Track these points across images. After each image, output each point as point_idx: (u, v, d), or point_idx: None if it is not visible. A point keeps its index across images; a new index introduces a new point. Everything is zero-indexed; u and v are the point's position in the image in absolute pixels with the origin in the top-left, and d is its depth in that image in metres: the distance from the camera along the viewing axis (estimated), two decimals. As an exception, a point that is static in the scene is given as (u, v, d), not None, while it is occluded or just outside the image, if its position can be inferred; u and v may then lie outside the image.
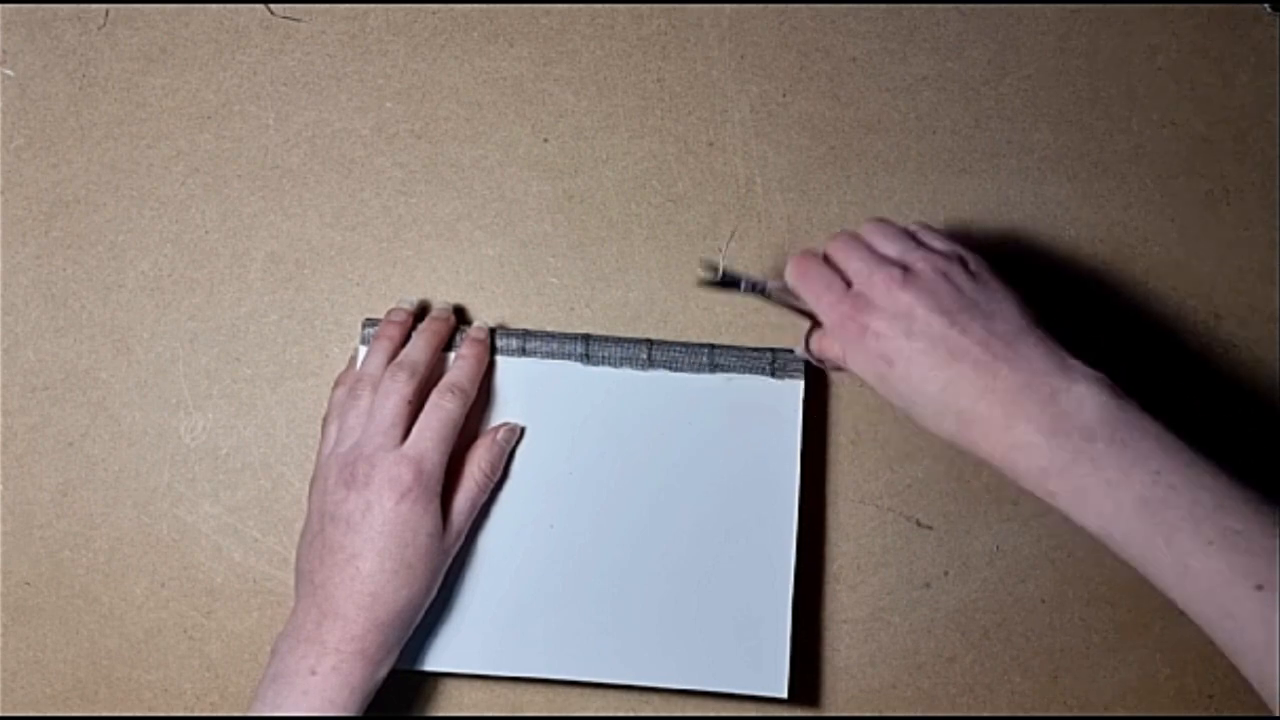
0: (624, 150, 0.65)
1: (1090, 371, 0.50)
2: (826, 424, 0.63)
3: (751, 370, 0.61)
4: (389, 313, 0.61)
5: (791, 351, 0.61)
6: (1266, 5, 0.66)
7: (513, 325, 0.63)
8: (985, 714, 0.62)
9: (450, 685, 0.62)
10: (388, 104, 0.65)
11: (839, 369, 0.58)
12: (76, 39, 0.64)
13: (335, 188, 0.64)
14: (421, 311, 0.62)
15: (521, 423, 0.60)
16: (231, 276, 0.64)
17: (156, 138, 0.64)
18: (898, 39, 0.66)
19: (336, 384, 0.60)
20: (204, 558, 0.62)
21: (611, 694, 0.61)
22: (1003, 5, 0.66)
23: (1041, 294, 0.64)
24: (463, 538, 0.57)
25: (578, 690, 0.61)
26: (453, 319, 0.61)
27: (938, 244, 0.55)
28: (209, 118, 0.64)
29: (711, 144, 0.65)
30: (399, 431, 0.55)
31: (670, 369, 0.61)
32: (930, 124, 0.65)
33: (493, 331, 0.61)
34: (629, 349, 0.61)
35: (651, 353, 0.61)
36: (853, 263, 0.54)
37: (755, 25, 0.65)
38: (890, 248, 0.55)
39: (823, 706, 0.62)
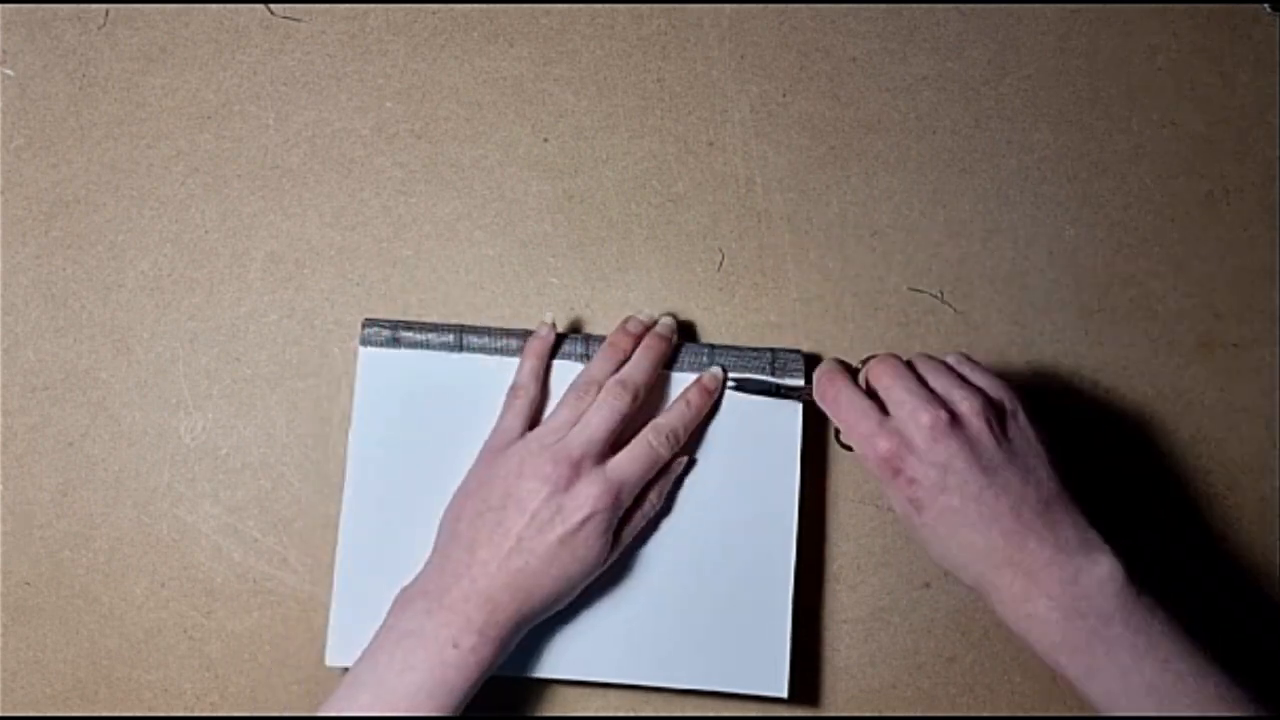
0: (624, 150, 0.65)
1: (1107, 548, 0.51)
2: (826, 424, 0.63)
3: (751, 370, 0.61)
4: (626, 321, 0.61)
5: (796, 352, 0.61)
6: (1266, 5, 0.66)
7: (512, 325, 0.63)
8: (985, 714, 0.62)
9: (450, 685, 0.62)
10: (388, 104, 0.65)
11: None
12: (76, 39, 0.64)
13: (335, 188, 0.64)
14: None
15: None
16: (231, 276, 0.64)
17: (156, 138, 0.64)
18: (898, 39, 0.66)
19: (525, 355, 0.60)
20: (204, 558, 0.62)
21: (612, 694, 0.61)
22: (1003, 5, 0.66)
23: (1040, 293, 0.64)
24: (612, 561, 0.58)
25: (578, 690, 0.61)
26: (675, 337, 0.61)
27: (984, 383, 0.55)
28: (209, 118, 0.64)
29: (711, 144, 0.65)
30: (607, 447, 0.56)
31: (670, 369, 0.61)
32: (930, 124, 0.65)
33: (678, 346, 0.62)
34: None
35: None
36: (896, 393, 0.54)
37: (755, 25, 0.65)
38: (937, 382, 0.55)
39: (823, 706, 0.62)
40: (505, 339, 0.61)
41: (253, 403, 0.63)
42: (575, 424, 0.57)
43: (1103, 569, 0.51)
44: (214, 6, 0.65)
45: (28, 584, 0.62)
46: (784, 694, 0.59)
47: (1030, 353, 0.64)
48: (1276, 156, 0.65)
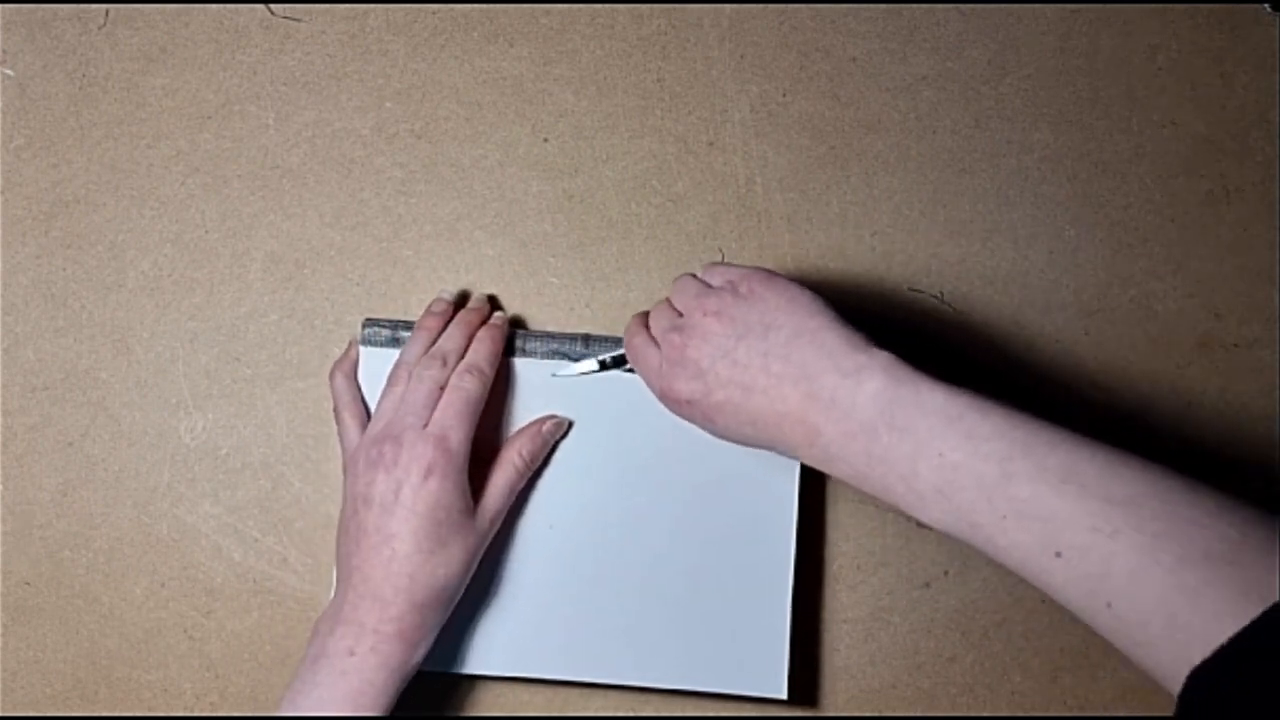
0: (624, 150, 0.65)
1: (863, 356, 0.49)
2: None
3: None
4: (430, 304, 0.61)
5: None
6: (1266, 5, 0.66)
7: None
8: (985, 714, 0.62)
9: (450, 686, 0.62)
10: (388, 104, 0.65)
11: None
12: (76, 39, 0.64)
13: (335, 188, 0.64)
14: (460, 302, 0.62)
15: (521, 421, 0.60)
16: (231, 276, 0.64)
17: (156, 138, 0.64)
18: (898, 39, 0.66)
19: (333, 374, 0.60)
20: (204, 558, 0.62)
21: (611, 694, 0.61)
22: (1003, 5, 0.66)
23: (1040, 293, 0.64)
24: (498, 522, 0.58)
25: (578, 690, 0.61)
26: (487, 309, 0.62)
27: (715, 279, 0.56)
28: (209, 118, 0.64)
29: (711, 144, 0.65)
30: (428, 414, 0.56)
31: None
32: (930, 124, 0.65)
33: (513, 322, 0.62)
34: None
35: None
36: (656, 335, 0.56)
37: (755, 25, 0.65)
38: (684, 303, 0.55)
39: (823, 706, 0.62)
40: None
41: (253, 403, 0.63)
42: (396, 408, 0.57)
43: (854, 378, 0.48)
44: (214, 6, 0.65)
45: (28, 584, 0.62)
46: (783, 695, 0.59)
47: (1030, 353, 0.64)
48: (1276, 156, 0.65)
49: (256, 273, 0.64)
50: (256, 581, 0.62)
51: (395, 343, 0.61)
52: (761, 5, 0.65)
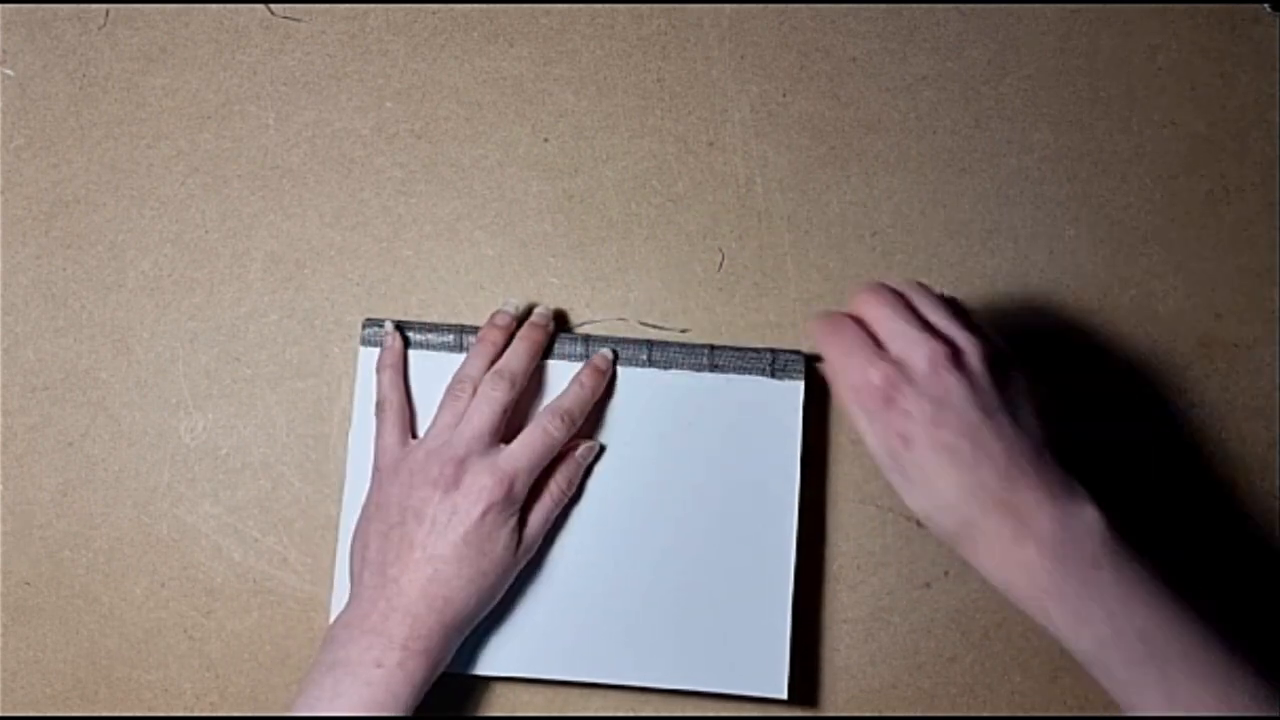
0: (624, 150, 0.65)
1: (1088, 496, 0.50)
2: (826, 424, 0.63)
3: (751, 371, 0.61)
4: (493, 315, 0.61)
5: (796, 352, 0.61)
6: (1266, 5, 0.66)
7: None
8: (985, 714, 0.62)
9: (450, 686, 0.62)
10: (388, 104, 0.65)
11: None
12: (76, 39, 0.64)
13: (335, 188, 0.64)
14: (523, 316, 0.62)
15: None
16: (231, 276, 0.64)
17: (156, 138, 0.64)
18: (898, 39, 0.66)
19: (379, 367, 0.60)
20: (204, 558, 0.62)
21: (611, 694, 0.61)
22: (1003, 5, 0.66)
23: (1041, 294, 0.64)
24: (533, 551, 0.58)
25: (578, 690, 0.61)
26: (551, 326, 0.61)
27: (983, 330, 0.53)
28: (209, 118, 0.64)
29: (711, 144, 0.65)
30: (493, 440, 0.56)
31: (670, 369, 0.61)
32: (930, 124, 0.65)
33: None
34: (628, 349, 0.61)
35: (651, 353, 0.61)
36: (891, 323, 0.51)
37: (755, 25, 0.65)
38: (936, 316, 0.52)
39: (823, 706, 0.62)
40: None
41: (253, 403, 0.63)
42: (457, 424, 0.56)
43: (1090, 514, 0.49)
44: (214, 6, 0.65)
45: (28, 584, 0.62)
46: (783, 695, 0.59)
47: (1030, 353, 0.64)
48: (1276, 156, 0.65)
49: (256, 273, 0.64)
50: (256, 581, 0.62)
51: None
52: (761, 5, 0.65)
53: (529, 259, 0.64)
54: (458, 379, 0.58)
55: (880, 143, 0.65)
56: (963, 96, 0.65)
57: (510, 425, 0.57)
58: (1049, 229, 0.65)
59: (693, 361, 0.61)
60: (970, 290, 0.64)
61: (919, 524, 0.63)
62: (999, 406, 0.50)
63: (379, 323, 0.61)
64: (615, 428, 0.60)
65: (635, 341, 0.61)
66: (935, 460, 0.49)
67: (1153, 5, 0.66)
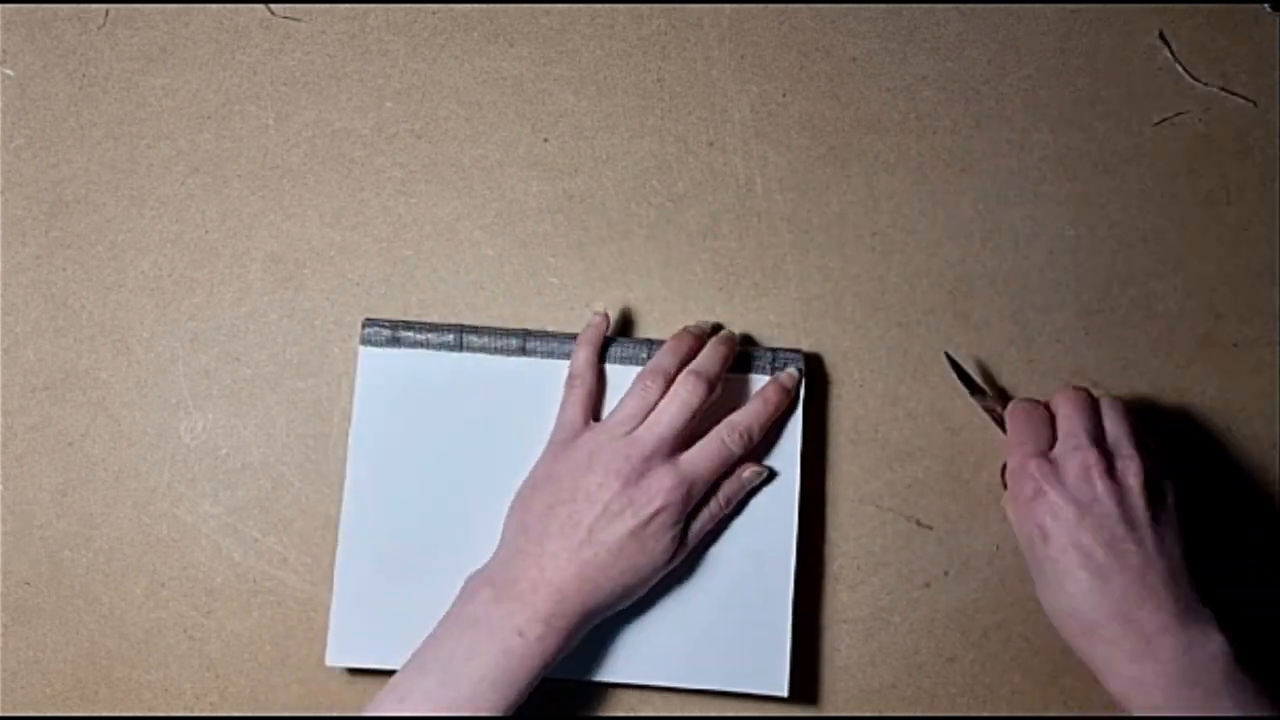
0: (624, 150, 0.65)
1: (1218, 628, 0.52)
2: (826, 424, 0.63)
3: (752, 369, 0.61)
4: (686, 327, 0.61)
5: (796, 352, 0.61)
6: (1266, 5, 0.66)
7: (512, 325, 0.63)
8: (985, 714, 0.62)
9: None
10: (388, 104, 0.65)
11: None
12: (76, 39, 0.64)
13: (335, 188, 0.64)
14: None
15: (521, 421, 0.60)
16: (231, 276, 0.64)
17: (156, 138, 0.64)
18: (898, 39, 0.66)
19: (580, 342, 0.60)
20: (204, 558, 0.62)
21: (611, 694, 0.61)
22: (1003, 5, 0.66)
23: (1040, 293, 0.64)
24: (679, 561, 0.58)
25: (578, 689, 0.61)
26: (736, 341, 0.61)
27: (1149, 448, 0.55)
28: (209, 118, 0.64)
29: (711, 144, 0.65)
30: (679, 441, 0.56)
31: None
32: (930, 124, 0.65)
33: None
34: (629, 348, 0.61)
35: (651, 351, 0.61)
36: (1070, 423, 0.55)
37: (755, 25, 0.65)
38: (1115, 428, 0.55)
39: (823, 706, 0.62)
40: (505, 339, 0.61)
41: (253, 403, 0.63)
42: (644, 415, 0.56)
43: (1215, 645, 0.51)
44: (214, 6, 0.65)
45: (28, 584, 0.62)
46: (784, 693, 0.59)
47: (1030, 353, 0.64)
48: (1276, 156, 0.65)
49: (256, 273, 0.64)
50: (256, 581, 0.62)
51: (395, 342, 0.61)
52: (761, 5, 0.65)
53: (529, 259, 0.64)
54: (651, 370, 0.58)
55: (880, 143, 0.65)
56: (963, 96, 0.65)
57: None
58: (1049, 229, 0.65)
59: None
60: (970, 291, 0.64)
61: (919, 523, 0.63)
62: (1144, 524, 0.53)
63: (379, 323, 0.61)
64: None
65: (636, 341, 0.61)
66: (1068, 562, 0.52)
67: (1153, 5, 0.66)
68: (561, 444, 0.57)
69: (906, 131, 0.65)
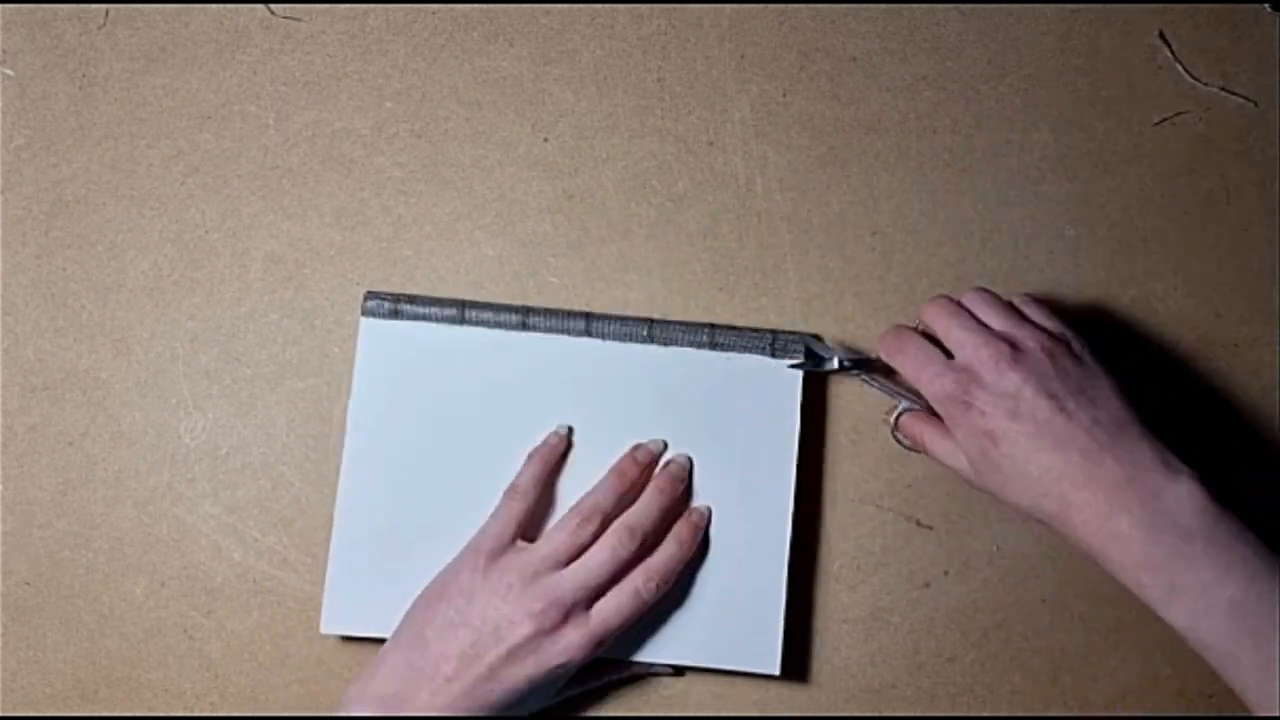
0: (624, 150, 0.65)
1: (1187, 469, 0.52)
2: (826, 424, 0.63)
3: (751, 350, 0.61)
4: (635, 449, 0.60)
5: (795, 334, 0.61)
6: (1266, 5, 0.66)
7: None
8: (985, 714, 0.62)
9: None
10: (388, 104, 0.65)
11: (922, 452, 0.59)
12: (76, 39, 0.64)
13: (335, 188, 0.64)
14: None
15: (520, 394, 0.60)
16: (231, 276, 0.64)
17: (156, 138, 0.64)
18: (898, 39, 0.66)
19: (530, 459, 0.59)
20: (204, 558, 0.62)
21: (610, 693, 0.61)
22: (1003, 5, 0.66)
23: (1041, 294, 0.64)
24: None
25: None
26: (687, 480, 0.60)
27: (1044, 321, 0.56)
28: (209, 118, 0.64)
29: (711, 144, 0.65)
30: (599, 591, 0.55)
31: (670, 345, 0.61)
32: (930, 124, 0.65)
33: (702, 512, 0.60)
34: (629, 326, 0.61)
35: (652, 330, 0.61)
36: (955, 333, 0.55)
37: (755, 25, 0.65)
38: (995, 320, 0.56)
39: (822, 706, 0.62)
40: (507, 314, 0.61)
41: (253, 403, 0.63)
42: (573, 556, 0.56)
43: (1184, 486, 0.51)
44: (214, 6, 0.65)
45: (28, 584, 0.62)
46: (776, 671, 0.59)
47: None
48: (1276, 156, 0.65)
49: (256, 273, 0.64)
50: (256, 581, 0.62)
51: (396, 314, 0.61)
52: (761, 5, 0.65)
53: (529, 259, 0.64)
54: (586, 506, 0.57)
55: (880, 143, 0.65)
56: (963, 96, 0.65)
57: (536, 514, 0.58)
58: (1049, 229, 0.65)
59: (693, 339, 0.61)
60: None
61: (919, 523, 0.63)
62: (1069, 392, 0.53)
63: (381, 295, 0.61)
64: (614, 403, 0.61)
65: (636, 320, 0.61)
66: (1021, 451, 0.52)
67: (1153, 5, 0.66)
68: (486, 556, 0.56)
69: (906, 131, 0.65)
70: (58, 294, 0.63)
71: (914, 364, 0.56)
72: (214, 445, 0.63)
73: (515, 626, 0.54)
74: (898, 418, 0.60)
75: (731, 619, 0.59)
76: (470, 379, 0.61)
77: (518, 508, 0.57)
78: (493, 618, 0.54)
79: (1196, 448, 0.64)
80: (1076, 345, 0.55)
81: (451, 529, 0.58)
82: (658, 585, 0.56)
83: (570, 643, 0.54)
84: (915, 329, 0.58)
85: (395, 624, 0.56)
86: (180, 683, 0.62)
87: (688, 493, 0.60)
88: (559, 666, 0.54)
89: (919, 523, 0.63)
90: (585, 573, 0.55)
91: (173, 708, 0.61)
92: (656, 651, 0.59)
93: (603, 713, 0.62)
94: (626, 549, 0.56)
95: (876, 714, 0.62)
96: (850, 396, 0.63)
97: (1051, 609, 0.63)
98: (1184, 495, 0.50)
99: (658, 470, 0.60)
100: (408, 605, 0.57)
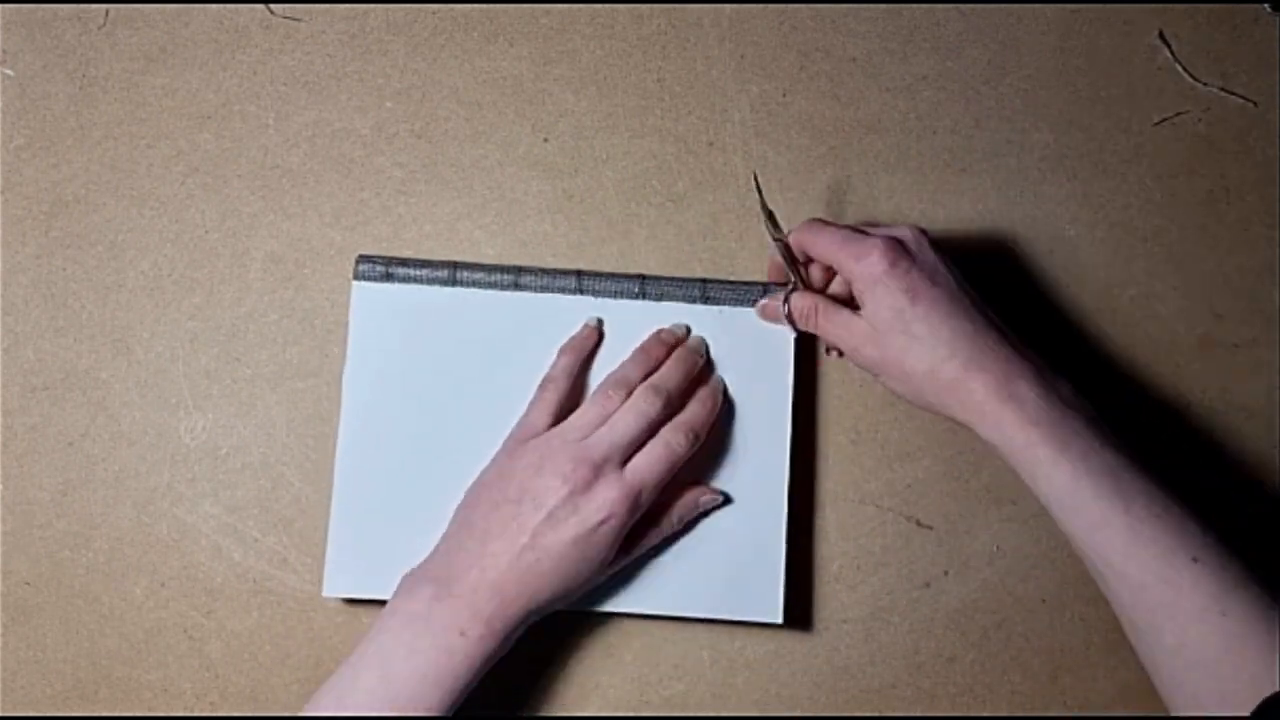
0: (624, 150, 0.65)
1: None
2: (826, 424, 0.63)
3: (743, 303, 0.61)
4: (659, 331, 0.61)
5: (787, 285, 0.61)
6: (1266, 5, 0.66)
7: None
8: (985, 714, 0.62)
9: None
10: (388, 104, 0.65)
11: (804, 331, 0.60)
12: (76, 39, 0.64)
13: (335, 188, 0.64)
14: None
15: (514, 354, 0.60)
16: (231, 276, 0.64)
17: (156, 138, 0.64)
18: (898, 39, 0.66)
19: (563, 349, 0.60)
20: (204, 558, 0.62)
21: (612, 693, 0.61)
22: (1003, 5, 0.66)
23: (1041, 293, 0.64)
24: (619, 567, 0.58)
25: (568, 620, 0.61)
26: (704, 354, 0.61)
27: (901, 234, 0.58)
28: (209, 118, 0.64)
29: (711, 144, 0.65)
30: (631, 450, 0.56)
31: (662, 300, 0.61)
32: (930, 124, 0.65)
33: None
34: (621, 283, 0.61)
35: (644, 286, 0.61)
36: (845, 234, 0.57)
37: (755, 25, 0.65)
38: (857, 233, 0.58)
39: (822, 707, 0.62)
40: (499, 274, 0.61)
41: (253, 403, 0.63)
42: (601, 424, 0.57)
43: (1062, 377, 0.55)
44: (214, 6, 0.65)
45: (28, 584, 0.62)
46: (779, 620, 0.59)
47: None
48: (1276, 156, 0.65)
49: (256, 273, 0.64)
50: (256, 581, 0.62)
51: (389, 277, 0.61)
52: (761, 5, 0.65)
53: (529, 259, 0.64)
54: (613, 380, 0.59)
55: (880, 143, 0.65)
56: (963, 96, 0.65)
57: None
58: (1049, 229, 0.65)
59: (685, 294, 0.61)
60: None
61: (919, 523, 0.63)
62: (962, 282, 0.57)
63: (373, 259, 0.61)
64: (608, 360, 0.61)
65: (628, 276, 0.61)
66: (938, 310, 0.55)
67: (1153, 5, 0.66)
68: (517, 442, 0.57)
69: (906, 131, 0.65)
70: (58, 294, 0.63)
71: (835, 243, 0.57)
72: (214, 445, 0.63)
73: (551, 491, 0.54)
74: (788, 296, 0.60)
75: (733, 570, 0.59)
76: (464, 340, 0.61)
77: (551, 397, 0.59)
78: (530, 488, 0.55)
79: (1196, 448, 0.64)
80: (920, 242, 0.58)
81: (449, 487, 0.58)
82: (686, 437, 0.57)
83: (606, 498, 0.54)
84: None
85: (396, 585, 0.56)
86: (180, 683, 0.62)
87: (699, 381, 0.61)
88: (600, 524, 0.54)
89: (919, 523, 0.63)
90: (613, 433, 0.56)
91: (173, 708, 0.61)
92: (659, 603, 0.59)
93: (602, 712, 0.62)
94: (653, 406, 0.57)
95: (876, 714, 0.62)
96: (850, 398, 0.63)
97: (1051, 609, 0.63)
98: (1065, 381, 0.55)
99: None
100: (409, 565, 0.56)
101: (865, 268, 0.55)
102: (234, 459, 0.63)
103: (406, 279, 0.61)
